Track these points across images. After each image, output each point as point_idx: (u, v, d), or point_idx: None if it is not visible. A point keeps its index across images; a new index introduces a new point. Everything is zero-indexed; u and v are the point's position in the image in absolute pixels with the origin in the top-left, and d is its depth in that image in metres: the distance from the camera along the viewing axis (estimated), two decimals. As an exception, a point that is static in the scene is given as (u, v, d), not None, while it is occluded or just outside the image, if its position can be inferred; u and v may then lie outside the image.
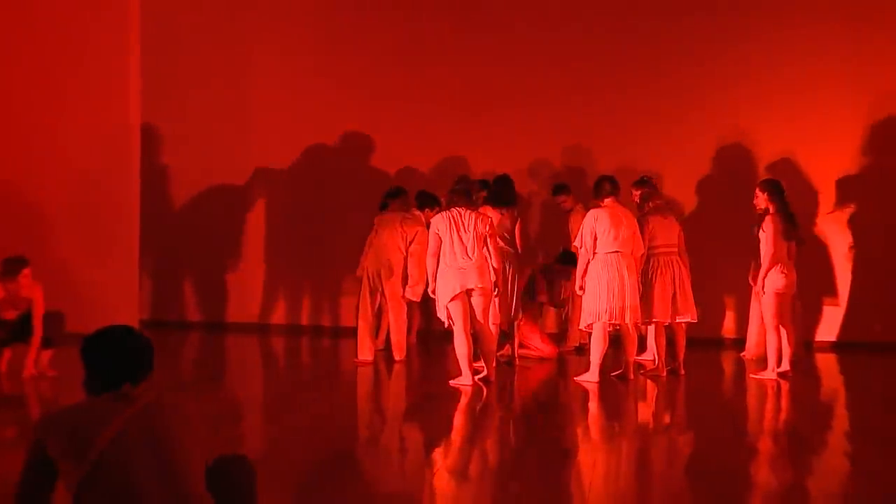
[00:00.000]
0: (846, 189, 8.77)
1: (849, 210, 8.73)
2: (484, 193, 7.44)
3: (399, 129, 9.22)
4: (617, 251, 6.56)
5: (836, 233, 8.75)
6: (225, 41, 9.48)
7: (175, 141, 9.58)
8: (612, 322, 6.60)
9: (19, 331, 6.40)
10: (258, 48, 9.45)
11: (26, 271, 6.23)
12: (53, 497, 2.51)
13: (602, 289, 6.53)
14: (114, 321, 3.20)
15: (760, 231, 6.85)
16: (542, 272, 7.99)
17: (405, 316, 7.53)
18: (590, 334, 6.82)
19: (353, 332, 7.83)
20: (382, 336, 7.70)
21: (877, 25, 8.64)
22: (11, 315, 6.35)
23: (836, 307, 8.75)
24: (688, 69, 8.88)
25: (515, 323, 7.32)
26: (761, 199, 6.94)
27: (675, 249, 6.94)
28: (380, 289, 7.43)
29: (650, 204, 6.99)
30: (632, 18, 9.01)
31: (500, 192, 7.31)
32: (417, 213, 7.63)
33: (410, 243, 7.35)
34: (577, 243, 6.74)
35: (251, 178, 9.55)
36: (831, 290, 8.78)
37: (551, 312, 8.67)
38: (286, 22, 9.47)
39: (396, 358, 7.44)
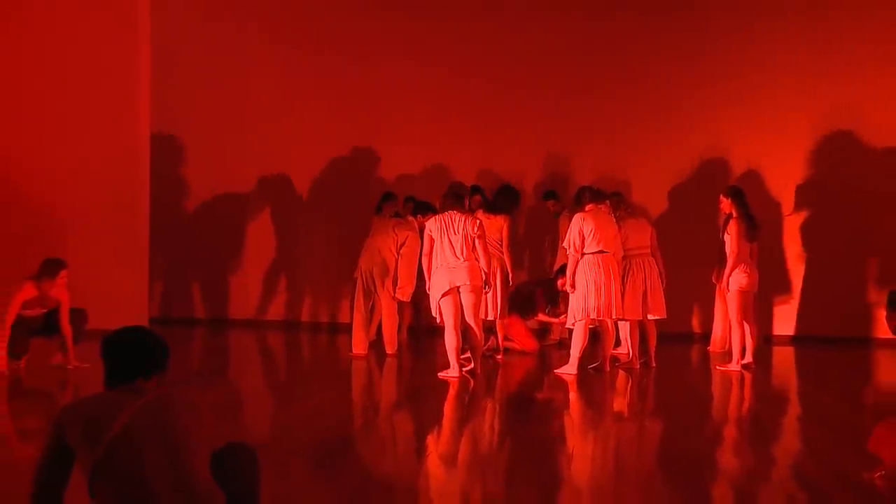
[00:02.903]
0: (800, 194, 8.87)
1: (802, 214, 8.84)
2: (477, 197, 7.52)
3: (394, 138, 9.26)
4: (602, 251, 6.59)
5: (792, 235, 8.86)
6: (228, 57, 9.49)
7: (182, 152, 9.58)
8: (597, 318, 6.63)
9: (43, 327, 6.38)
10: (260, 63, 9.46)
11: (63, 273, 6.21)
12: (69, 480, 2.53)
13: (590, 288, 6.57)
14: (126, 319, 3.22)
15: (725, 233, 6.91)
16: (541, 288, 7.97)
17: (396, 313, 7.55)
18: (571, 330, 6.85)
19: (348, 327, 7.84)
20: (374, 330, 7.70)
21: (830, 45, 8.74)
22: (36, 312, 6.32)
23: (793, 303, 8.85)
24: (661, 84, 8.97)
25: (499, 320, 7.32)
26: (725, 204, 7.01)
27: (647, 251, 6.98)
28: (373, 287, 7.45)
29: (622, 210, 7.04)
30: (610, 40, 9.08)
31: (493, 201, 7.46)
32: (411, 218, 7.65)
33: (401, 246, 7.38)
34: (565, 244, 6.78)
35: (253, 185, 9.56)
36: (789, 288, 8.87)
37: None
38: (287, 38, 9.47)
39: (388, 352, 7.45)
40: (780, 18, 8.85)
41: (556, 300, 7.90)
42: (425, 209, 7.62)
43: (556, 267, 8.01)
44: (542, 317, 7.98)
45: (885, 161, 8.64)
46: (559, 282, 7.44)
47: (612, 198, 7.13)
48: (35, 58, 8.17)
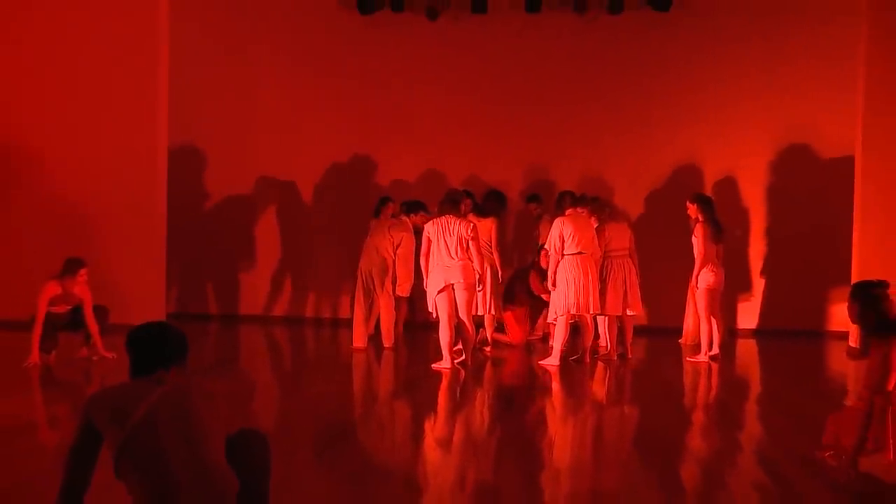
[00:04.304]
0: (763, 200, 8.94)
1: (764, 219, 8.94)
2: (468, 201, 7.58)
3: (390, 147, 9.30)
4: (581, 253, 6.63)
5: (755, 238, 8.94)
6: (240, 74, 9.54)
7: (196, 161, 9.61)
8: (576, 314, 6.67)
9: (69, 322, 6.41)
10: (268, 79, 9.50)
11: (83, 271, 6.23)
12: (97, 461, 2.55)
13: (569, 286, 6.60)
14: (144, 315, 3.23)
15: (693, 237, 6.96)
16: (535, 269, 7.97)
17: (393, 309, 7.56)
18: (553, 325, 6.88)
19: (349, 322, 7.85)
20: (372, 324, 7.72)
21: (788, 64, 8.83)
22: (62, 309, 6.35)
23: (755, 300, 8.92)
24: (637, 98, 9.01)
25: (488, 315, 7.35)
26: (692, 210, 7.06)
27: (627, 252, 7.01)
28: (372, 286, 7.47)
29: (605, 214, 7.08)
30: (589, 61, 9.12)
31: (481, 204, 7.54)
32: (405, 218, 7.67)
33: (397, 247, 7.40)
34: (547, 246, 6.80)
35: (261, 191, 9.59)
36: (752, 286, 8.94)
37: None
38: (294, 57, 9.51)
39: (385, 345, 7.46)
40: (743, 40, 8.91)
41: (546, 275, 7.92)
42: (416, 207, 7.67)
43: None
44: (538, 287, 7.92)
45: (837, 169, 8.71)
46: (542, 254, 7.44)
47: (593, 203, 7.17)
48: (64, 74, 8.25)
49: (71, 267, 6.20)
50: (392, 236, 7.40)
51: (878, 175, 7.42)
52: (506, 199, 8.31)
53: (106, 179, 8.15)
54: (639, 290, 7.01)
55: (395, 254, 7.40)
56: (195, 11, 9.38)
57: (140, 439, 2.46)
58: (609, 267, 6.90)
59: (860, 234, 7.53)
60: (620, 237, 7.00)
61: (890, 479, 3.56)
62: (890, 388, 3.57)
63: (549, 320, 7.06)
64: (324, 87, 9.43)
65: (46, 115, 8.31)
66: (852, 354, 4.00)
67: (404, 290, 7.51)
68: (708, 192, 8.47)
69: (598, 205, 7.15)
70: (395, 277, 7.44)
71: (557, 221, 6.75)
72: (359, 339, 7.46)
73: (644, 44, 9.04)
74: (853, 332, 6.50)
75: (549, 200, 8.41)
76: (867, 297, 3.70)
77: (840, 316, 8.29)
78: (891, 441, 3.52)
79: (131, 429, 2.45)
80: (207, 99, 9.49)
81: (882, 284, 3.72)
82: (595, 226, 6.89)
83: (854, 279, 7.08)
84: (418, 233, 7.33)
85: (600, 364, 6.87)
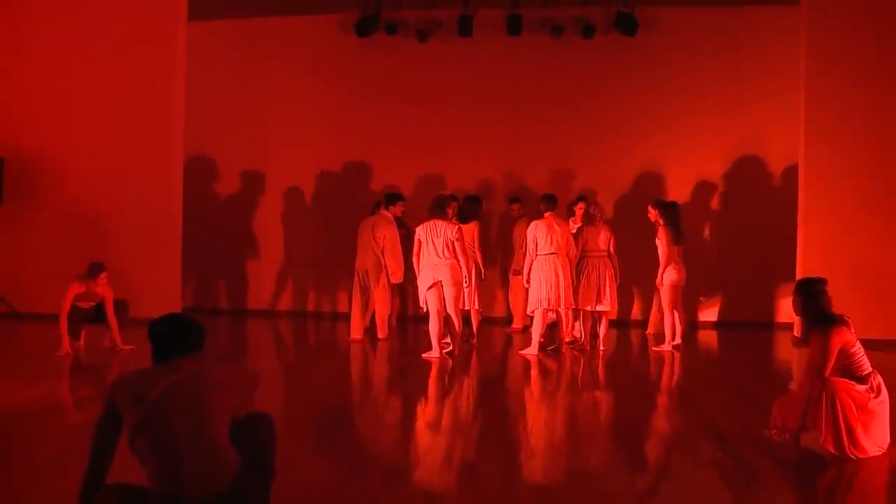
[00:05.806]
0: (717, 205, 9.02)
1: (721, 221, 9.03)
2: (454, 205, 7.63)
3: (384, 156, 9.36)
4: (553, 253, 6.68)
5: (714, 239, 9.02)
6: (249, 90, 9.56)
7: (209, 169, 9.62)
8: (550, 308, 6.72)
9: (93, 316, 6.53)
10: (275, 94, 9.54)
11: (104, 274, 6.38)
12: (120, 438, 2.57)
13: (543, 283, 6.66)
14: (162, 309, 3.25)
15: (656, 239, 7.04)
16: None
17: (388, 303, 7.59)
18: (532, 317, 6.93)
19: (347, 316, 7.86)
20: (368, 317, 7.74)
21: (741, 79, 8.92)
22: (87, 305, 6.48)
23: (715, 294, 9.02)
24: (606, 114, 9.09)
25: (473, 309, 7.39)
26: (653, 214, 7.14)
27: (603, 253, 7.04)
28: (367, 282, 7.49)
29: (586, 216, 7.16)
30: (565, 78, 9.20)
31: (461, 210, 7.57)
32: (384, 212, 7.67)
33: (383, 241, 7.44)
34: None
35: (268, 195, 9.62)
36: (712, 282, 9.04)
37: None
38: (296, 74, 9.56)
39: (380, 336, 7.49)
40: (700, 61, 9.00)
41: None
42: (394, 199, 7.74)
43: (512, 265, 8.14)
44: None
45: (783, 177, 8.84)
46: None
47: (580, 201, 7.25)
48: (91, 91, 8.28)
49: (93, 271, 6.37)
50: (376, 234, 7.44)
51: (818, 182, 7.54)
52: (481, 201, 8.36)
53: (128, 186, 8.22)
54: (614, 287, 7.05)
55: (382, 250, 7.43)
56: (210, 35, 9.42)
57: (153, 419, 2.48)
58: (585, 265, 6.97)
59: (804, 236, 7.64)
60: (596, 239, 7.06)
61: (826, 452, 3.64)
62: (827, 374, 3.65)
63: (528, 313, 7.12)
64: (324, 101, 9.49)
65: (73, 127, 8.36)
66: (796, 343, 4.09)
67: (397, 276, 7.53)
68: (670, 196, 8.57)
69: (586, 204, 7.25)
70: (387, 269, 7.47)
71: (532, 225, 6.82)
72: (356, 331, 7.49)
73: (613, 64, 9.14)
74: (797, 323, 6.59)
75: (529, 203, 8.48)
76: (808, 293, 3.77)
77: (787, 309, 8.41)
78: (822, 421, 3.60)
79: (145, 410, 2.48)
80: (220, 112, 9.53)
81: (821, 281, 3.80)
82: (578, 225, 6.96)
83: (798, 276, 7.18)
84: (408, 230, 7.40)
85: (575, 353, 6.93)
